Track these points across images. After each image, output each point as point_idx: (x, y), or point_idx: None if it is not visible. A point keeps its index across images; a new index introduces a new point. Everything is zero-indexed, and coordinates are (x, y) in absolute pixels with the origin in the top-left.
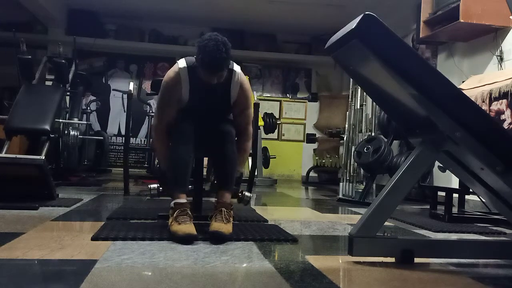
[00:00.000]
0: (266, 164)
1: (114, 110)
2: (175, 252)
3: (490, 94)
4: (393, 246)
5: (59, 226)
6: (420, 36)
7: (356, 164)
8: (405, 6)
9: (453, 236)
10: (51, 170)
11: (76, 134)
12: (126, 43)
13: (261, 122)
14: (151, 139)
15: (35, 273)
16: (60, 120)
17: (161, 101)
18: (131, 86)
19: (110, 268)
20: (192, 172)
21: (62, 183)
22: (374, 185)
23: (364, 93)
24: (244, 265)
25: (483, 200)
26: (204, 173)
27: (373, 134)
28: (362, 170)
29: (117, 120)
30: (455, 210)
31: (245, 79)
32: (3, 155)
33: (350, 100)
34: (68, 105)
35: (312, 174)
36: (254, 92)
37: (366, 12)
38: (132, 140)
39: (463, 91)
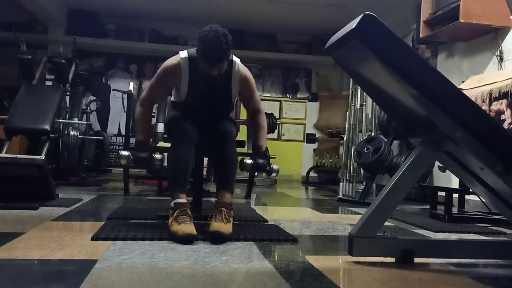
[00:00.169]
0: None
1: (114, 110)
2: (175, 252)
3: (490, 94)
4: (393, 246)
5: (59, 226)
6: (420, 36)
7: (356, 164)
8: (405, 6)
9: (453, 236)
10: (51, 170)
11: (76, 134)
12: (126, 43)
13: None
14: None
15: (35, 273)
16: (60, 120)
17: (155, 80)
18: (131, 86)
19: (110, 268)
20: (192, 172)
21: (62, 183)
22: (374, 185)
23: (364, 93)
24: (244, 265)
25: (483, 200)
26: (204, 173)
27: (373, 134)
28: (362, 170)
29: (117, 120)
30: (455, 210)
31: (245, 68)
32: (3, 155)
33: (350, 100)
34: (68, 105)
35: (312, 174)
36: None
37: (366, 12)
38: (132, 140)
39: (463, 91)
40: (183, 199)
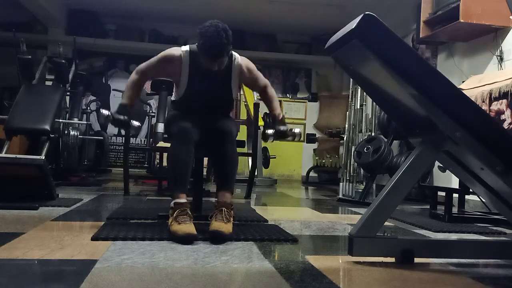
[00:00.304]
0: (266, 164)
1: (114, 110)
2: (175, 252)
3: (490, 94)
4: (393, 246)
5: (59, 226)
6: (420, 36)
7: (356, 164)
8: (405, 6)
9: (453, 236)
10: (51, 170)
11: (76, 134)
12: (126, 43)
13: (261, 122)
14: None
15: (35, 273)
16: (60, 120)
17: (154, 62)
18: None
19: (110, 268)
20: (192, 172)
21: (62, 183)
22: (374, 185)
23: (364, 93)
24: (244, 265)
25: (483, 200)
26: (204, 173)
27: (373, 134)
28: (362, 170)
29: None
30: (455, 210)
31: (244, 59)
32: (3, 155)
33: (350, 100)
34: (68, 105)
35: (312, 174)
36: (254, 92)
37: (366, 12)
38: (132, 140)
39: (463, 91)
40: (183, 199)
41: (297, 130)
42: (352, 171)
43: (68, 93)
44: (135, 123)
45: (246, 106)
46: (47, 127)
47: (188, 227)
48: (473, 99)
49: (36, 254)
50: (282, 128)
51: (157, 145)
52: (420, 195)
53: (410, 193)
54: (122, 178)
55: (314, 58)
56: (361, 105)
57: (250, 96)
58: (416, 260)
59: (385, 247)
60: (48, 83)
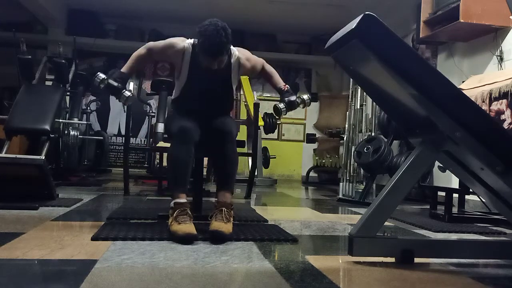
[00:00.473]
0: (266, 164)
1: (114, 110)
2: (175, 252)
3: (490, 94)
4: (393, 246)
5: (59, 226)
6: (420, 36)
7: (356, 164)
8: (405, 6)
9: (453, 236)
10: (51, 170)
11: (76, 134)
12: (126, 43)
13: (261, 122)
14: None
15: (35, 273)
16: (60, 120)
17: (161, 44)
18: (131, 86)
19: (110, 268)
20: (192, 172)
21: (62, 183)
22: (374, 185)
23: (364, 93)
24: (244, 265)
25: (483, 200)
26: (204, 173)
27: (373, 134)
28: (362, 170)
29: (117, 120)
30: (455, 210)
31: (242, 50)
32: (3, 155)
33: (350, 100)
34: (68, 105)
35: (312, 174)
36: (254, 92)
37: (366, 12)
38: (132, 140)
39: (463, 91)
40: (183, 199)
41: (305, 96)
42: (352, 171)
43: (68, 93)
44: (127, 92)
45: (246, 106)
46: (47, 127)
47: (188, 227)
48: (473, 99)
49: (36, 254)
50: (291, 98)
51: (157, 145)
52: (420, 195)
53: (410, 193)
54: (122, 178)
55: (314, 58)
56: (361, 105)
57: (250, 96)
58: (416, 260)
59: (385, 247)
60: (48, 83)
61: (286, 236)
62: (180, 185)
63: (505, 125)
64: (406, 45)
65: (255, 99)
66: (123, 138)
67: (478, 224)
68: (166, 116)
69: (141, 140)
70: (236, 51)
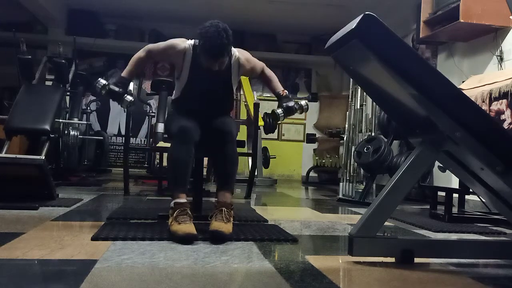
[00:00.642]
0: (266, 164)
1: (114, 110)
2: (175, 252)
3: (490, 94)
4: (393, 246)
5: (59, 226)
6: (420, 36)
7: (356, 164)
8: (405, 6)
9: (453, 236)
10: (51, 170)
11: (76, 134)
12: (126, 43)
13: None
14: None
15: (35, 273)
16: (60, 120)
17: (161, 46)
18: (131, 86)
19: (110, 268)
20: (192, 172)
21: (62, 183)
22: (374, 185)
23: (364, 93)
24: (244, 265)
25: (483, 200)
26: (204, 173)
27: (373, 134)
28: (362, 170)
29: (117, 120)
30: (455, 210)
31: (242, 52)
32: (3, 155)
33: (350, 100)
34: (68, 105)
35: (312, 174)
36: (254, 92)
37: (366, 12)
38: (132, 140)
39: (463, 91)
40: (183, 199)
41: (303, 102)
42: (352, 171)
43: (68, 93)
44: (129, 97)
45: (246, 106)
46: (47, 127)
47: (188, 227)
48: (473, 99)
49: (36, 254)
50: (290, 104)
51: (157, 145)
52: (420, 195)
53: (410, 193)
54: (122, 178)
55: (314, 58)
56: (361, 105)
57: (250, 96)
58: (416, 260)
59: (385, 247)
60: (48, 83)
61: (286, 236)
62: (180, 185)
63: (505, 125)
64: (406, 45)
65: (255, 99)
66: (123, 138)
67: (478, 224)
68: (166, 116)
69: (141, 140)
70: (236, 52)
